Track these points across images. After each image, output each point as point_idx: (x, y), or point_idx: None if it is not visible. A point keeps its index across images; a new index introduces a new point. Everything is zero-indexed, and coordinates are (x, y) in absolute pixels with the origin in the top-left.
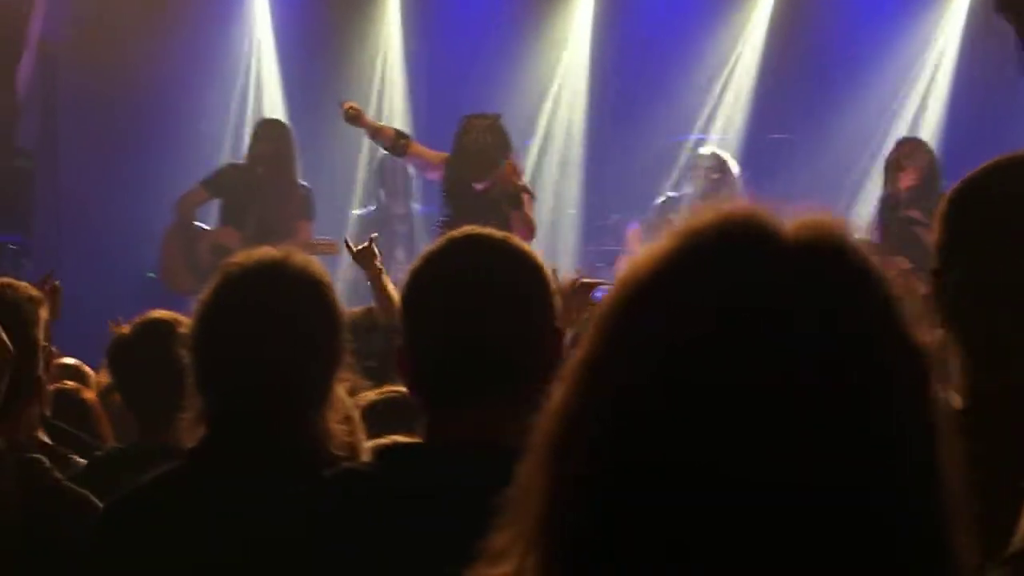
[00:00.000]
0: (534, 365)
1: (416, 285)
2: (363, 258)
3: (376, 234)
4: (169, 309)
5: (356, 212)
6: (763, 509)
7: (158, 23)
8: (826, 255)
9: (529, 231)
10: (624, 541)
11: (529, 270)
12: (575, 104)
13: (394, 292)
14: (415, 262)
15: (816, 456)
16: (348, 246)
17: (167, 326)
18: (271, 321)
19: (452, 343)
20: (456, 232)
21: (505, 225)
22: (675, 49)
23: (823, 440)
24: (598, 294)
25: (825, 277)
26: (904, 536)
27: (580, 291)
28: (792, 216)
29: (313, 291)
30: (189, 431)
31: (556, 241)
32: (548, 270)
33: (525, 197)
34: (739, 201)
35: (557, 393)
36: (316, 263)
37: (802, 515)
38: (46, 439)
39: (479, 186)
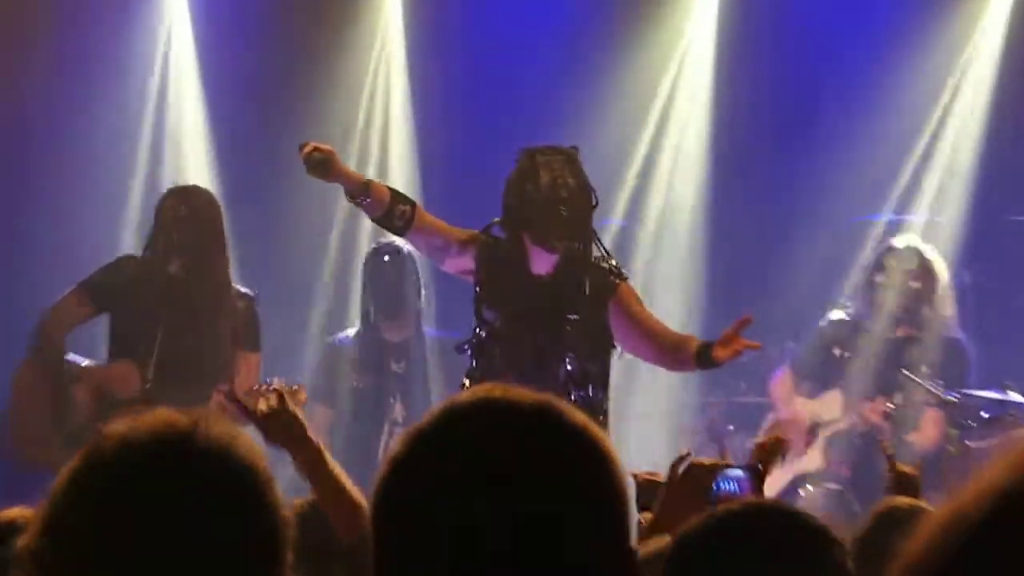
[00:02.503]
0: None
1: (395, 497)
2: (279, 428)
3: (298, 386)
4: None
5: (330, 339)
6: None
7: (41, 23)
8: None
9: (660, 344)
10: None
11: (597, 477)
12: (689, 157)
13: (355, 493)
14: (396, 448)
15: None
16: (256, 408)
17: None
18: (162, 539)
19: None
20: (475, 399)
21: (601, 337)
22: (849, 79)
23: None
24: (725, 485)
25: None
26: None
27: (693, 481)
28: None
29: (238, 491)
30: None
31: (651, 383)
32: (621, 464)
33: (624, 285)
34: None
35: None
36: (248, 442)
37: None
38: None
39: (543, 266)
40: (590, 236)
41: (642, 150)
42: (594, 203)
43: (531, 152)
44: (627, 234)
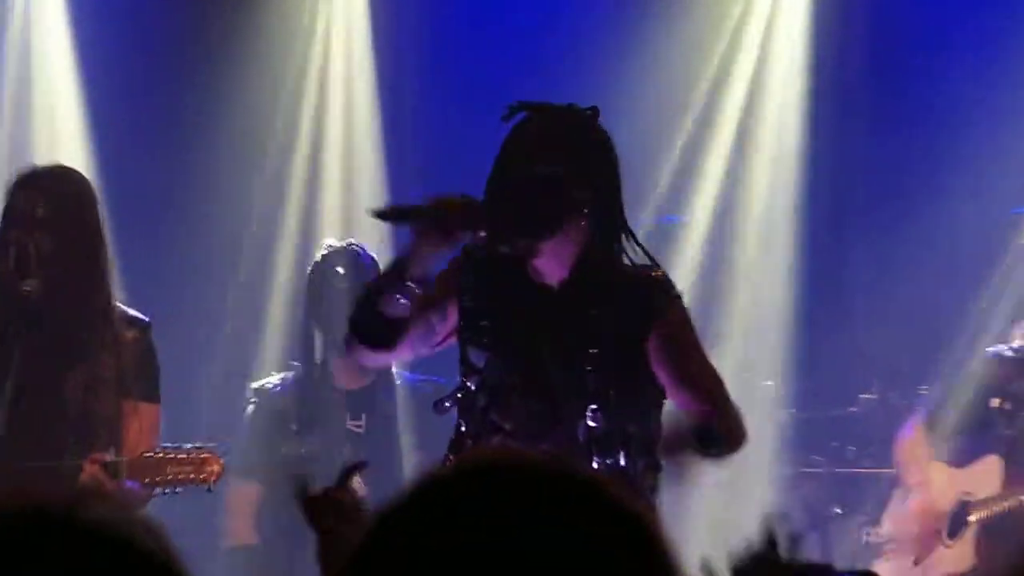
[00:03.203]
0: None
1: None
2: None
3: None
4: None
5: (256, 385)
6: None
7: None
8: None
9: (707, 392)
10: None
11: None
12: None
13: None
14: (360, 540)
15: None
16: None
17: None
18: None
19: None
20: (467, 467)
21: (637, 381)
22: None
23: None
24: None
25: None
26: None
27: None
28: None
29: None
30: None
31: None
32: (670, 547)
33: (673, 307)
34: None
35: None
36: (144, 525)
37: None
38: None
39: (553, 274)
40: (613, 231)
41: (691, 125)
42: (603, 187)
43: (523, 108)
44: (675, 234)
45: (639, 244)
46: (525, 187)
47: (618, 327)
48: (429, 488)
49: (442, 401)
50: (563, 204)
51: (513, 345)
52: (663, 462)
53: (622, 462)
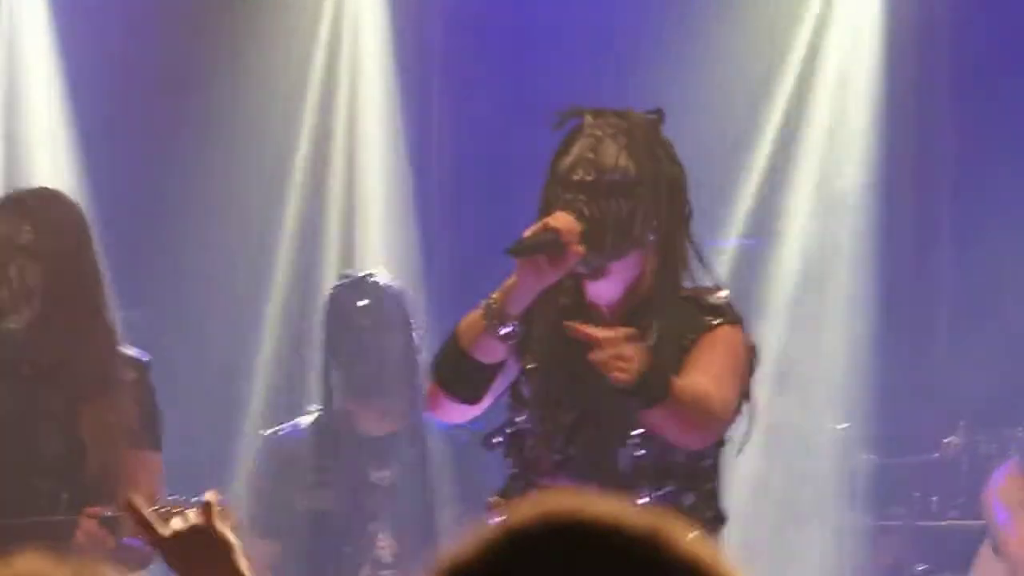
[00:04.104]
0: None
1: None
2: (198, 555)
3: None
4: None
5: (266, 432)
6: None
7: None
8: None
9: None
10: None
11: None
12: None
13: None
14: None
15: None
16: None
17: None
18: None
19: None
20: (547, 521)
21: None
22: None
23: None
24: None
25: None
26: None
27: None
28: None
29: None
30: None
31: (791, 489)
32: None
33: (722, 330)
34: None
35: None
36: None
37: None
38: None
39: (606, 294)
40: (677, 253)
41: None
42: (675, 201)
43: (581, 113)
44: (751, 259)
45: (704, 264)
46: (607, 204)
47: (661, 352)
48: (507, 539)
49: (491, 436)
50: (640, 221)
51: (551, 370)
52: None
53: (672, 496)
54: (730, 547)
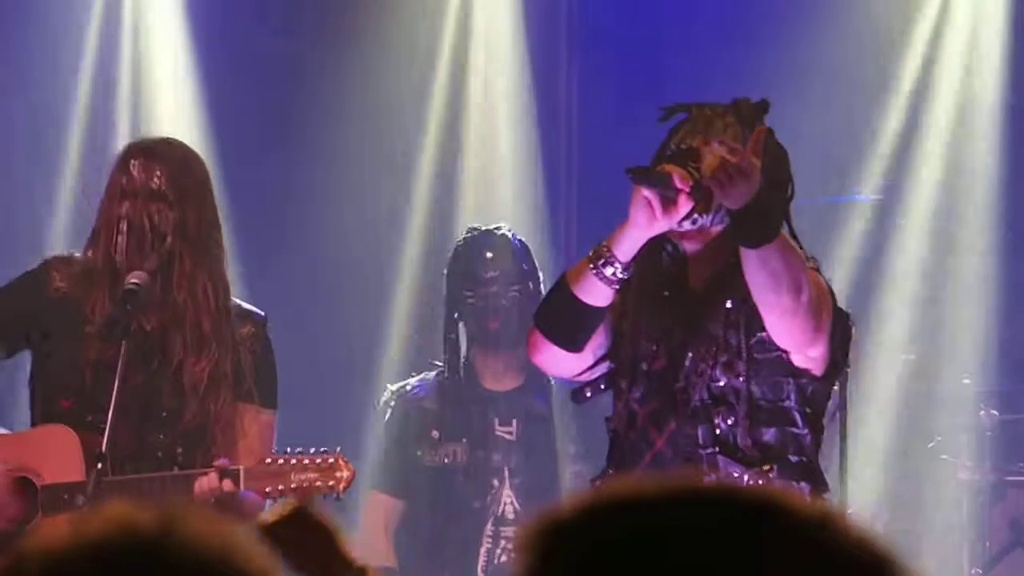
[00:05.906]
0: None
1: None
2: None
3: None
4: None
5: (394, 387)
6: None
7: None
8: None
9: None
10: None
11: None
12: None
13: None
14: (523, 562)
15: None
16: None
17: None
18: None
19: None
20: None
21: (775, 389)
22: None
23: None
24: None
25: None
26: None
27: None
28: None
29: None
30: None
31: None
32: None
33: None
34: None
35: None
36: (246, 549)
37: None
38: None
39: (699, 273)
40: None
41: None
42: (783, 189)
43: (687, 108)
44: (877, 216)
45: (796, 238)
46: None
47: (749, 323)
48: (624, 502)
49: (582, 389)
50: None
51: (652, 344)
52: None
53: (761, 474)
54: (849, 506)
